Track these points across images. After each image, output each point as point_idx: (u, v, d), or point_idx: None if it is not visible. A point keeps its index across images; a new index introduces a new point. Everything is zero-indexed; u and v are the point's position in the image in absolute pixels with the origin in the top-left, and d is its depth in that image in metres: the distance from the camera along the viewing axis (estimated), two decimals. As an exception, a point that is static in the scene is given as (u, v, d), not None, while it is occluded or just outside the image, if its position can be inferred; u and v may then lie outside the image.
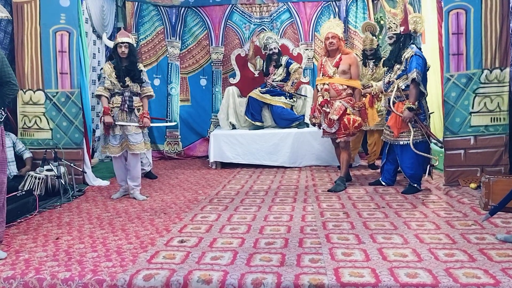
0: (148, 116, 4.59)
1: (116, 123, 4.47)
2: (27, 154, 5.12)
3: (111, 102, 4.53)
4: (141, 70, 4.60)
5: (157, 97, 7.37)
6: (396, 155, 4.64)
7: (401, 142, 4.50)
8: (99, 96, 4.57)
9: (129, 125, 4.47)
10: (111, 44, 6.22)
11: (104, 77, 4.54)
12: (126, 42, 4.47)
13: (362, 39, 6.29)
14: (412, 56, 4.34)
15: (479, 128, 4.59)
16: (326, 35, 4.86)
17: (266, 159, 6.38)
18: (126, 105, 4.47)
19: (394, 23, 4.52)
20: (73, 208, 4.27)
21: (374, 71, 5.89)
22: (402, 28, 4.47)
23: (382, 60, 5.86)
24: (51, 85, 5.32)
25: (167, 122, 7.05)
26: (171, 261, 2.75)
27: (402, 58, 4.43)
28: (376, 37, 6.07)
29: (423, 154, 4.42)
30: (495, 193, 3.63)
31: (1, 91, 3.08)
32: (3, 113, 3.10)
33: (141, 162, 5.42)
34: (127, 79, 4.48)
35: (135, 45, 6.03)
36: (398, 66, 4.48)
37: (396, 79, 4.48)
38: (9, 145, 4.96)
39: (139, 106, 4.58)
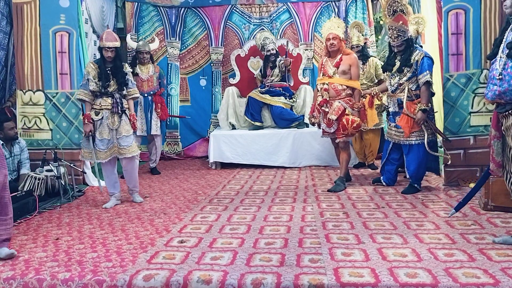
0: (136, 119, 4.38)
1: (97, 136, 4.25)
2: (24, 170, 4.74)
3: (98, 104, 4.25)
4: (127, 73, 4.38)
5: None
6: (404, 155, 4.60)
7: (412, 142, 4.48)
8: (81, 100, 4.31)
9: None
10: (134, 44, 6.25)
11: (88, 79, 4.22)
12: (113, 47, 4.22)
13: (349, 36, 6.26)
14: (422, 58, 4.33)
15: (479, 128, 4.59)
16: (327, 36, 4.85)
17: (266, 159, 6.38)
18: (118, 108, 4.26)
19: (403, 30, 4.39)
20: (73, 209, 4.27)
21: (363, 70, 5.81)
22: (410, 33, 4.41)
23: (369, 58, 5.85)
24: (51, 85, 5.32)
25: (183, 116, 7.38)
26: (171, 261, 2.75)
27: (412, 61, 4.38)
28: (363, 36, 6.05)
29: (434, 153, 4.43)
30: (495, 193, 3.62)
31: None
32: None
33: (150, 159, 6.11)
34: (112, 82, 4.25)
35: (135, 45, 6.07)
36: (407, 68, 4.43)
37: (406, 81, 4.45)
38: (17, 152, 4.75)
39: (127, 108, 4.38)
